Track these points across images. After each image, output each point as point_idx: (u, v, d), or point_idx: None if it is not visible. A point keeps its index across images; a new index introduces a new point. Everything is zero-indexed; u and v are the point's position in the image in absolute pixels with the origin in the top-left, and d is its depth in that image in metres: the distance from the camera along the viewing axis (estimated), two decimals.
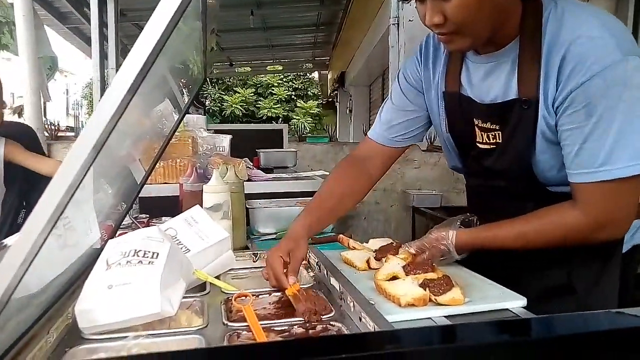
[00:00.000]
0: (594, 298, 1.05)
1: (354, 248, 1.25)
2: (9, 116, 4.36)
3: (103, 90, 3.35)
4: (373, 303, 0.83)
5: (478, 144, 1.08)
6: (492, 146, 1.05)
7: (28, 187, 2.26)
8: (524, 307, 0.90)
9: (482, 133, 1.06)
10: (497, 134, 1.03)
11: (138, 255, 0.86)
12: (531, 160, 1.00)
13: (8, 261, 0.46)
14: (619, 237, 0.97)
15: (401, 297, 0.88)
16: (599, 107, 0.86)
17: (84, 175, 0.45)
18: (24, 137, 2.32)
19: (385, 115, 1.23)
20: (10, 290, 0.47)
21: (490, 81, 1.01)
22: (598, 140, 0.87)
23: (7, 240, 1.14)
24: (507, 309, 0.90)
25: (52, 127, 3.54)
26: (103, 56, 3.28)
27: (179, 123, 1.40)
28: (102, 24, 3.26)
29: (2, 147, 2.05)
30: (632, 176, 0.86)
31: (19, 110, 3.53)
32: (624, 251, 1.10)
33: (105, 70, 3.35)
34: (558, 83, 0.90)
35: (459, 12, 0.87)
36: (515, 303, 0.90)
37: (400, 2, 3.78)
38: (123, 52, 4.01)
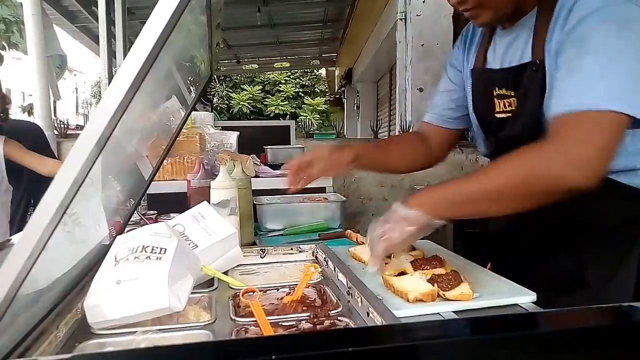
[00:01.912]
0: (610, 294, 0.98)
1: (362, 243, 1.25)
2: (19, 114, 4.41)
3: None
4: (381, 298, 0.83)
5: (496, 115, 1.08)
6: (508, 114, 1.05)
7: (36, 185, 2.28)
8: (533, 303, 0.89)
9: (499, 101, 1.06)
10: (512, 101, 1.04)
11: (146, 251, 0.86)
12: (542, 128, 0.93)
13: (14, 257, 0.46)
14: (589, 184, 0.81)
15: (409, 293, 0.87)
16: (592, 42, 0.85)
17: (89, 171, 0.45)
18: (30, 135, 2.34)
19: (434, 100, 1.31)
20: (17, 286, 0.48)
21: (511, 50, 1.04)
22: (583, 73, 0.85)
23: (14, 238, 1.15)
24: (516, 305, 0.89)
25: (62, 126, 3.56)
26: (111, 54, 3.29)
27: (186, 119, 1.40)
28: (110, 22, 3.27)
29: (1, 146, 2.06)
30: (604, 112, 0.81)
31: (29, 109, 3.56)
32: None
33: (114, 69, 3.37)
34: (561, 33, 0.91)
35: None
36: (525, 298, 0.89)
37: None
38: (130, 49, 4.00)
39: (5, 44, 4.03)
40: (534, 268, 1.07)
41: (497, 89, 1.06)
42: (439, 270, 0.95)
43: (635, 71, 0.83)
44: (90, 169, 0.48)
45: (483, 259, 1.14)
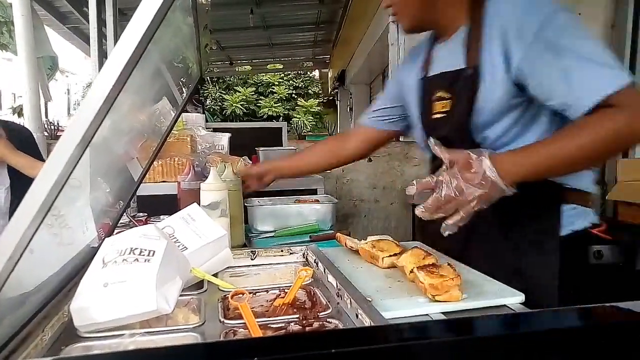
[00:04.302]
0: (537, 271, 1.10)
1: (351, 247, 1.25)
2: (9, 116, 4.37)
3: None
4: (370, 300, 0.83)
5: (433, 116, 1.21)
6: (443, 115, 1.18)
7: (28, 185, 2.25)
8: (521, 303, 0.89)
9: (437, 103, 1.20)
10: (447, 103, 1.17)
11: (134, 253, 0.86)
12: (471, 127, 1.10)
13: None
14: None
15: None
16: (562, 44, 0.97)
17: (72, 171, 0.45)
18: (15, 138, 2.31)
19: (372, 107, 1.53)
20: None
21: (447, 59, 1.19)
22: (583, 68, 0.95)
23: None
24: (504, 305, 0.89)
25: (52, 127, 3.54)
26: (102, 55, 3.28)
27: (176, 120, 1.40)
28: (101, 23, 3.26)
29: None
30: (628, 86, 0.92)
31: (19, 110, 3.53)
32: (563, 234, 1.12)
33: None
34: (505, 50, 1.03)
35: None
36: (512, 299, 0.90)
37: None
38: None
39: None
40: (467, 251, 1.19)
41: (436, 92, 1.20)
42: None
43: (605, 51, 0.97)
44: (74, 168, 0.48)
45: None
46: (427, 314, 0.85)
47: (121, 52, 0.41)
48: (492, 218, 1.08)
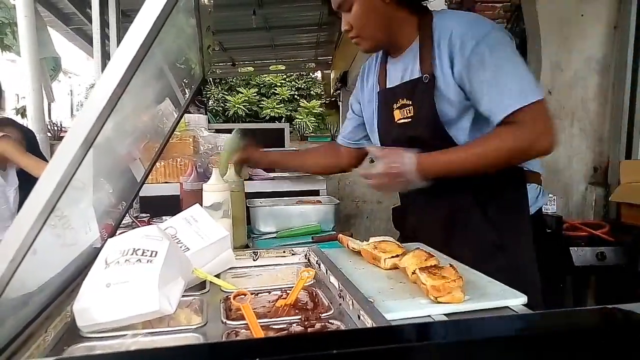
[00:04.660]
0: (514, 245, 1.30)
1: (353, 249, 1.25)
2: (13, 116, 4.38)
3: None
4: (372, 301, 0.83)
5: (398, 122, 1.35)
6: (408, 119, 1.32)
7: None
8: (524, 305, 0.89)
9: (399, 111, 1.34)
10: (410, 109, 1.31)
11: (137, 254, 0.86)
12: (439, 125, 1.26)
13: None
14: (553, 149, 1.17)
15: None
16: (491, 62, 1.16)
17: (75, 172, 0.45)
18: (31, 141, 2.33)
19: (343, 127, 1.68)
20: (1, 289, 0.47)
21: (403, 71, 1.34)
22: (499, 83, 1.16)
23: None
24: (507, 307, 0.89)
25: (56, 128, 3.55)
26: (105, 56, 3.29)
27: (179, 121, 1.40)
28: (104, 24, 3.27)
29: None
30: (535, 102, 1.14)
31: (22, 111, 3.54)
32: (531, 213, 1.43)
33: None
34: (451, 59, 1.21)
35: (355, 21, 1.28)
36: (515, 301, 0.90)
37: None
38: None
39: None
40: (450, 239, 1.33)
41: (397, 101, 1.34)
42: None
43: (525, 71, 1.19)
44: (77, 169, 0.48)
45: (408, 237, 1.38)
46: (429, 316, 0.85)
47: (124, 53, 0.41)
48: (470, 205, 1.31)
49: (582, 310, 0.58)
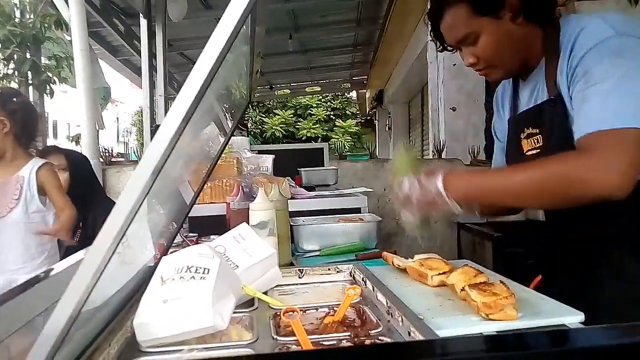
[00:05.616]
0: None
1: (398, 266, 1.25)
2: (67, 144, 4.66)
3: (152, 117, 3.52)
4: (422, 318, 0.83)
5: (527, 154, 1.17)
6: (537, 150, 1.14)
7: (85, 210, 2.39)
8: (581, 323, 0.86)
9: (527, 141, 1.17)
10: (538, 138, 1.13)
11: (190, 271, 0.89)
12: None
13: (80, 277, 0.50)
14: (617, 194, 0.90)
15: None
16: (596, 74, 0.96)
17: (144, 198, 0.49)
18: (73, 165, 2.47)
19: (494, 159, 1.41)
20: (81, 304, 0.51)
21: (533, 96, 1.17)
22: (594, 99, 0.95)
23: (68, 260, 1.21)
24: (563, 325, 0.86)
25: (107, 154, 3.75)
26: (152, 85, 3.46)
27: (225, 145, 1.45)
28: (151, 55, 3.45)
29: (36, 167, 2.14)
30: (619, 130, 0.91)
31: (77, 139, 3.77)
32: None
33: (154, 99, 3.54)
34: (568, 71, 1.03)
35: (484, 52, 1.09)
36: (572, 318, 0.87)
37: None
38: (170, 80, 4.21)
39: (56, 79, 4.31)
40: (583, 286, 1.08)
41: (524, 130, 1.18)
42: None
43: (635, 91, 0.93)
44: (146, 196, 0.52)
45: (523, 279, 1.13)
46: (481, 333, 0.84)
47: (190, 87, 0.45)
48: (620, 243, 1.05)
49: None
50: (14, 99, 2.21)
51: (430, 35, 1.21)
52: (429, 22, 1.18)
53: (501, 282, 0.95)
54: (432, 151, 4.13)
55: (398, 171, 1.23)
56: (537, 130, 1.13)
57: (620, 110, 0.92)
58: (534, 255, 1.29)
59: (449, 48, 1.18)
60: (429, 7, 1.18)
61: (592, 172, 0.91)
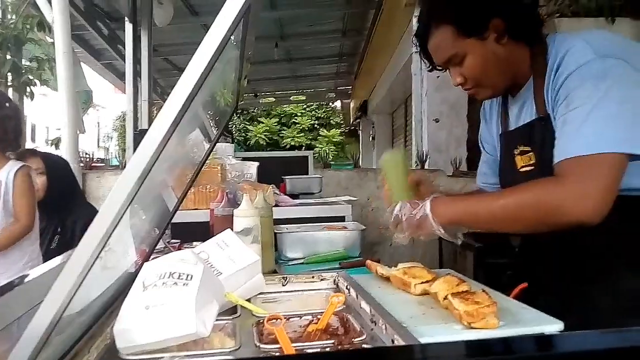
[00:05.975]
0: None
1: (382, 274, 1.25)
2: (46, 147, 4.58)
3: (136, 122, 3.48)
4: (405, 326, 0.83)
5: (521, 170, 1.18)
6: (530, 167, 1.15)
7: (64, 215, 2.35)
8: (560, 331, 0.88)
9: (520, 157, 1.18)
10: (531, 155, 1.14)
11: (173, 277, 0.88)
12: None
13: (62, 282, 0.49)
14: (592, 220, 0.92)
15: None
16: (575, 97, 0.97)
17: (129, 204, 0.48)
18: (52, 168, 2.42)
19: (479, 170, 1.44)
20: (63, 309, 0.50)
21: (522, 112, 1.18)
22: (573, 124, 0.97)
23: (45, 265, 1.18)
24: (542, 333, 0.87)
25: (87, 158, 3.69)
26: (136, 90, 3.43)
27: (211, 151, 1.45)
28: (136, 60, 3.43)
29: (13, 171, 2.09)
30: (595, 155, 0.93)
31: (56, 142, 3.70)
32: None
33: (138, 103, 3.50)
34: (552, 93, 1.05)
35: (471, 72, 1.11)
36: (551, 327, 0.88)
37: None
38: (153, 85, 4.18)
39: (37, 81, 4.24)
40: (563, 296, 1.10)
41: (517, 147, 1.18)
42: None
43: (615, 113, 0.94)
44: (130, 203, 0.51)
45: (504, 289, 1.14)
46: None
47: (179, 93, 0.45)
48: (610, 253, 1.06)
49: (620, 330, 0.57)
50: None
51: (420, 55, 1.22)
52: (417, 43, 1.18)
53: (483, 291, 0.96)
54: (415, 162, 4.18)
55: (387, 171, 1.27)
56: (529, 148, 1.14)
57: (597, 136, 0.93)
58: (514, 266, 1.30)
59: (438, 67, 1.20)
60: (415, 25, 1.18)
61: (567, 200, 0.93)
